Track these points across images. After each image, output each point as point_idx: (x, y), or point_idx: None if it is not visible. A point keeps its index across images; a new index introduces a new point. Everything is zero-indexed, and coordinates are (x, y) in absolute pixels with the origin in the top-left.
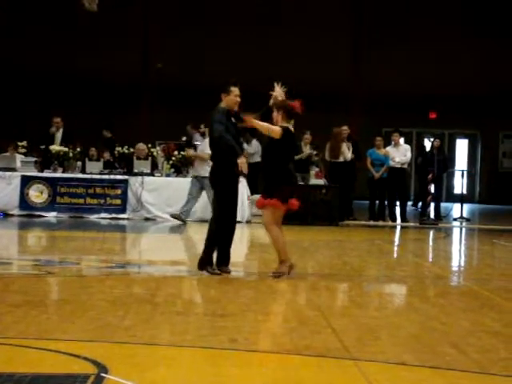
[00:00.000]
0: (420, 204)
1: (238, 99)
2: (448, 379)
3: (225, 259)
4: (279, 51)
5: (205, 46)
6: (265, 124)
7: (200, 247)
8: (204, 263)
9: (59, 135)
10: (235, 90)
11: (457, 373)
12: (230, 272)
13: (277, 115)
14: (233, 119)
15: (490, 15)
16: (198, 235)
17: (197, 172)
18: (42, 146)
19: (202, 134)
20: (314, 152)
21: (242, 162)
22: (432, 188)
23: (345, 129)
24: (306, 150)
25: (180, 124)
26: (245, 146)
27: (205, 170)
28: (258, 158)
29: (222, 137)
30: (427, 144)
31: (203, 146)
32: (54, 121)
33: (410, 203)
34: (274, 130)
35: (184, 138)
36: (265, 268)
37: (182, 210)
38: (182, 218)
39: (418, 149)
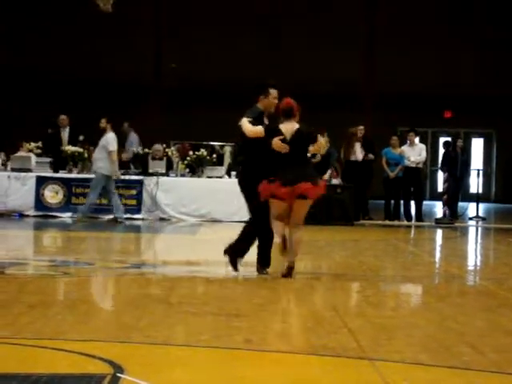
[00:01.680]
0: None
1: (276, 101)
2: (465, 379)
3: (265, 261)
4: (292, 50)
5: (217, 46)
6: None
7: (214, 247)
8: (231, 251)
9: (66, 134)
10: (274, 93)
11: (474, 372)
12: (267, 274)
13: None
14: (266, 121)
15: (505, 15)
16: (213, 235)
17: (97, 168)
18: (67, 147)
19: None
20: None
21: (275, 142)
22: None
23: (361, 128)
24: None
25: (194, 124)
26: None
27: (99, 166)
28: None
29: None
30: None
31: (103, 142)
32: (59, 118)
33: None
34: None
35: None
36: (279, 268)
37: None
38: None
39: (444, 147)
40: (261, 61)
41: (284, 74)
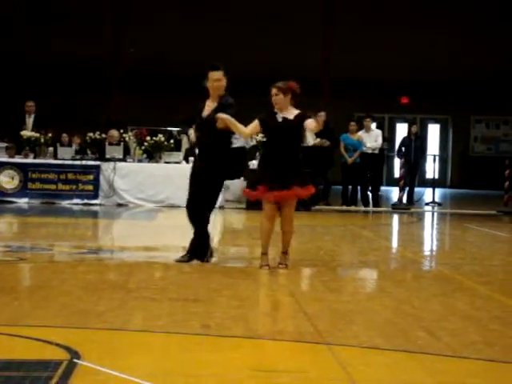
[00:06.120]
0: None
1: (218, 83)
2: (420, 363)
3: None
4: (251, 37)
5: (177, 32)
6: (238, 125)
7: (173, 233)
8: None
9: (31, 120)
10: (213, 75)
11: (429, 356)
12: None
13: (284, 100)
14: (210, 104)
15: (463, 1)
16: (170, 221)
17: None
18: (22, 132)
19: None
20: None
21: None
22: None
23: (322, 115)
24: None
25: (152, 109)
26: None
27: None
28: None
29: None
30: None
31: None
32: (26, 105)
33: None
34: (245, 131)
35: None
36: (238, 254)
37: None
38: None
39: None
40: (221, 45)
41: (242, 58)
